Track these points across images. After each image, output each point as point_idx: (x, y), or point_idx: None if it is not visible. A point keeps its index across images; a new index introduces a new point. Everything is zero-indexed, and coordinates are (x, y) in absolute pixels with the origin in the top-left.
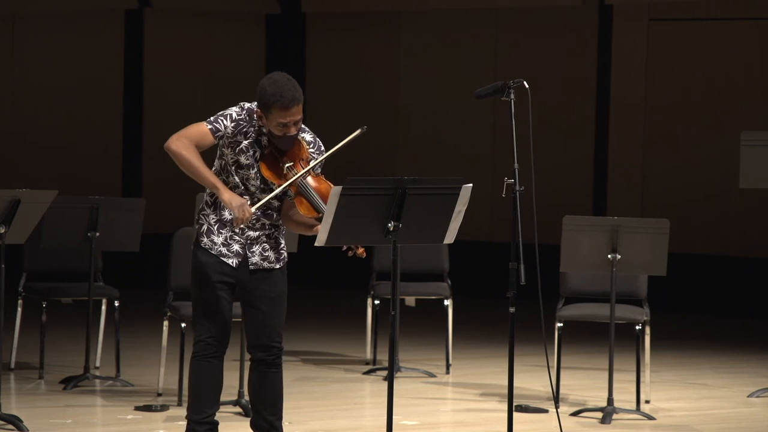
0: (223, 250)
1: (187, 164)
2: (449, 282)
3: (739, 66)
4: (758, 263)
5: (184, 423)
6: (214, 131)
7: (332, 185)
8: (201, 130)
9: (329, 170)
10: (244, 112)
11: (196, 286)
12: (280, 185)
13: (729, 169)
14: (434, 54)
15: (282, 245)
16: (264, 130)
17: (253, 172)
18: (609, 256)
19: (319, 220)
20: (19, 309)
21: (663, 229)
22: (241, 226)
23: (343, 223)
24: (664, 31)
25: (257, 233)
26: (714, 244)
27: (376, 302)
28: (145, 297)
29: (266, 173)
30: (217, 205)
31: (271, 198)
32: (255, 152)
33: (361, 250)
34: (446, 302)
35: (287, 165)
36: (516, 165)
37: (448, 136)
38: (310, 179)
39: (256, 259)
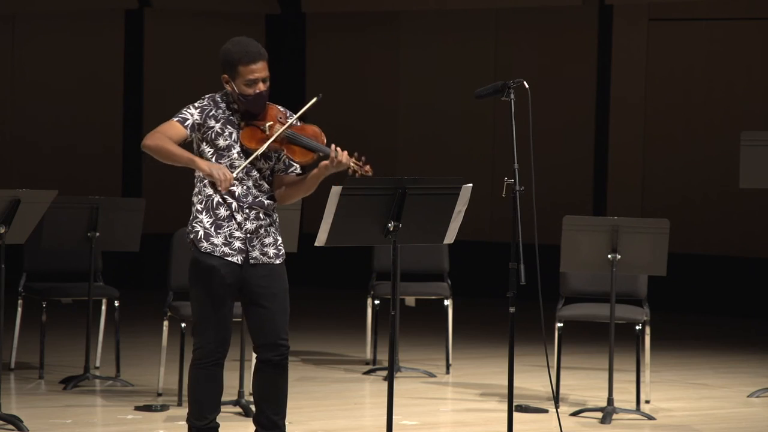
0: (226, 249)
1: (163, 151)
2: (449, 282)
3: (739, 66)
4: (758, 263)
5: (184, 423)
6: (183, 121)
7: (316, 127)
8: (170, 124)
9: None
10: (206, 99)
11: (197, 292)
12: (270, 149)
13: (729, 169)
14: (434, 54)
15: (280, 241)
16: (234, 107)
17: (235, 152)
18: (609, 256)
19: (320, 159)
20: (19, 309)
21: (663, 229)
22: (225, 187)
23: (343, 223)
24: (664, 31)
25: (254, 225)
26: (714, 244)
27: (376, 302)
28: (145, 297)
29: (249, 143)
30: (208, 208)
31: (260, 153)
32: (231, 132)
33: (367, 167)
34: (446, 302)
35: (267, 124)
36: (516, 165)
37: (448, 136)
38: (293, 130)
39: (256, 253)
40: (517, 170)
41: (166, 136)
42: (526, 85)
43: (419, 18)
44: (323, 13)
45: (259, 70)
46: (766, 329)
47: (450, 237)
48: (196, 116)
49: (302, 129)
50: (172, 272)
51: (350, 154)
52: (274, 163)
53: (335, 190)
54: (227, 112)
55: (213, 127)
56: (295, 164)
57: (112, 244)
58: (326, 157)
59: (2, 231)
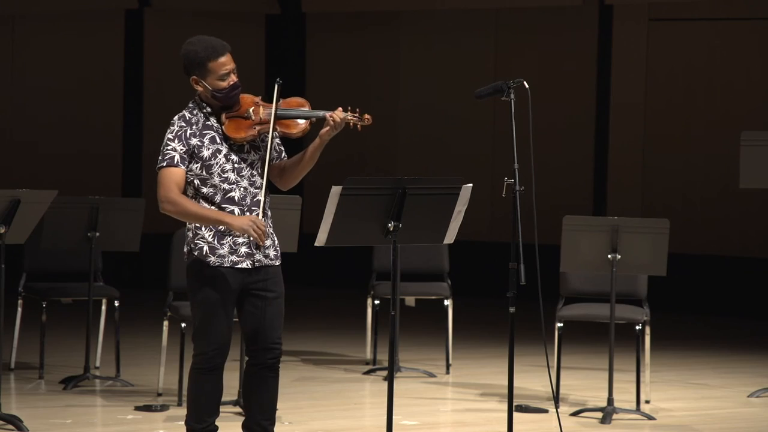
0: (235, 258)
1: (185, 215)
2: (449, 282)
3: (739, 66)
4: (758, 263)
5: (183, 423)
6: (172, 162)
7: (299, 97)
8: (166, 174)
9: (328, 167)
10: (176, 123)
11: (201, 299)
12: (261, 132)
13: (729, 169)
14: (434, 54)
15: (276, 242)
16: (207, 110)
17: (222, 156)
18: (609, 256)
19: (314, 127)
20: (19, 309)
21: (663, 229)
22: (264, 240)
23: (343, 223)
24: (664, 31)
25: None
26: (714, 244)
27: (376, 302)
28: (145, 297)
29: (237, 134)
30: None
31: (272, 134)
32: (212, 137)
33: (366, 116)
34: (446, 302)
35: (251, 110)
36: (516, 165)
37: (448, 136)
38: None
39: (259, 256)
40: (517, 170)
41: (177, 190)
42: (526, 85)
43: (419, 18)
44: (323, 13)
45: (228, 62)
46: (766, 329)
47: (450, 237)
48: (179, 148)
49: (287, 103)
50: (172, 272)
51: (344, 109)
52: (264, 153)
53: (335, 190)
54: (200, 121)
55: (195, 144)
56: (283, 149)
57: (112, 244)
58: (321, 122)
59: (2, 231)
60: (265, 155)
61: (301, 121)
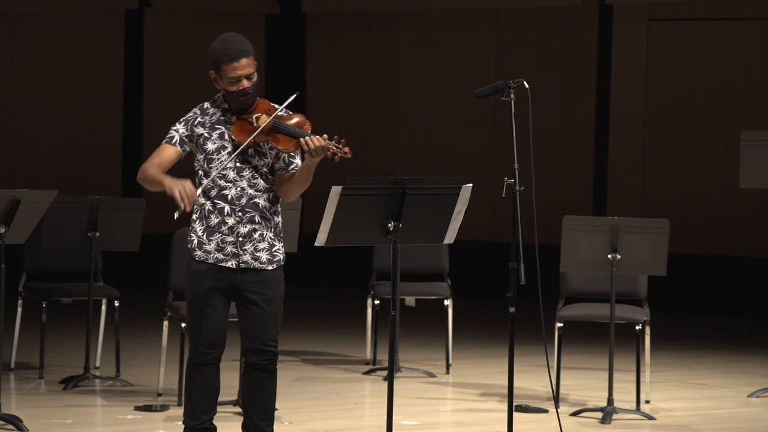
0: (220, 255)
1: (146, 180)
2: (449, 282)
3: (739, 66)
4: (758, 263)
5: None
6: (170, 140)
7: (302, 116)
8: (160, 148)
9: (330, 168)
10: (194, 109)
11: (190, 297)
12: (256, 141)
13: (729, 169)
14: (434, 54)
15: (276, 247)
16: (225, 106)
17: (225, 153)
18: (609, 256)
19: (298, 145)
20: (19, 309)
21: (663, 229)
22: (188, 204)
23: (343, 223)
24: (664, 31)
25: (247, 228)
26: (714, 244)
27: (376, 302)
28: (145, 297)
29: (239, 135)
30: (201, 216)
31: (248, 144)
32: (221, 133)
33: (346, 149)
34: (446, 302)
35: (255, 116)
36: (516, 165)
37: (448, 136)
38: (279, 119)
39: (247, 257)
40: (517, 170)
41: (154, 164)
42: (526, 85)
43: (419, 18)
44: (323, 13)
45: (242, 67)
46: (765, 329)
47: (450, 237)
48: (182, 130)
49: (288, 117)
50: (172, 272)
51: (330, 138)
52: (271, 161)
53: (335, 190)
54: (217, 114)
55: (201, 133)
56: (295, 162)
57: (112, 244)
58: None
59: (2, 231)
60: (272, 163)
61: (293, 139)
